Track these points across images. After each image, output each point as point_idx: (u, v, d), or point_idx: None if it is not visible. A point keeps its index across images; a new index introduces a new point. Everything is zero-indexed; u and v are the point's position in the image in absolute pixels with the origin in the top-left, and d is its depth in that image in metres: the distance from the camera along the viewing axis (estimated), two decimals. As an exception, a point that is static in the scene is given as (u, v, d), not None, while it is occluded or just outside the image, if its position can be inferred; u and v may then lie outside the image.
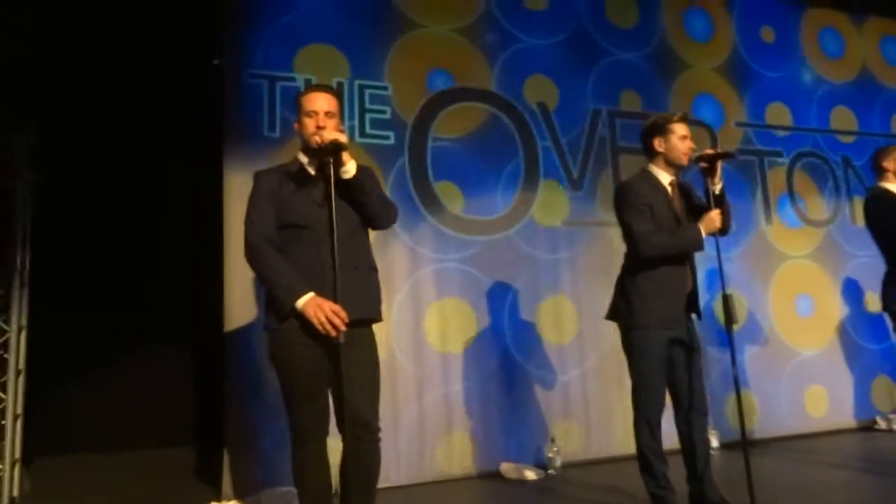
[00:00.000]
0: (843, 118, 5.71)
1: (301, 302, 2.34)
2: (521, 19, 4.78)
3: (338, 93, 2.69)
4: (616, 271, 3.13)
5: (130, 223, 4.09)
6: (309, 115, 2.52)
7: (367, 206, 2.50)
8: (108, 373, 4.15)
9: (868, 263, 5.25)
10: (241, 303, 3.79)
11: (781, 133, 5.45)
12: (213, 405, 3.85)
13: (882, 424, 5.08)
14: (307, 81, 4.12)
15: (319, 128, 2.46)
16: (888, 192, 3.74)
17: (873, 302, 5.27)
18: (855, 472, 3.89)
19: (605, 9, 5.06)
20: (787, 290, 5.15)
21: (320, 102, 2.53)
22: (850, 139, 5.69)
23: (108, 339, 4.07)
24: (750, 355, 4.92)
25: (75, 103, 4.09)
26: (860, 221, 5.44)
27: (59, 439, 4.20)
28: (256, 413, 3.71)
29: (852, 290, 5.37)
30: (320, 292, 2.35)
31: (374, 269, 2.59)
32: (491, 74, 4.62)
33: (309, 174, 2.52)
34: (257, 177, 2.57)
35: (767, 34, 5.60)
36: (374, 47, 4.36)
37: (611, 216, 3.33)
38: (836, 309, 5.31)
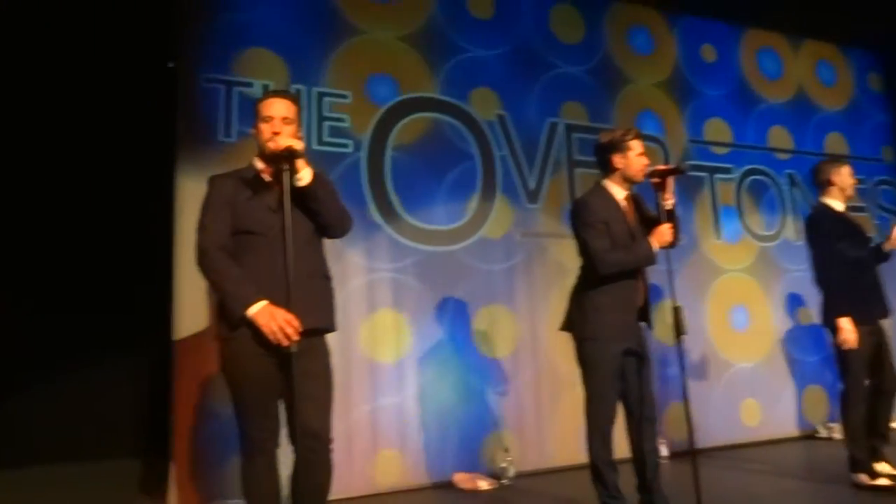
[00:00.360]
0: (780, 137, 5.88)
1: (253, 310, 2.30)
2: (467, 30, 4.79)
3: (297, 99, 2.66)
4: (561, 283, 3.16)
5: (78, 228, 3.97)
6: (265, 120, 2.48)
7: (321, 215, 2.48)
8: (50, 382, 4.00)
9: (803, 277, 5.45)
10: (191, 311, 3.72)
11: (722, 150, 5.58)
12: (160, 416, 3.76)
13: (823, 433, 5.24)
14: (265, 87, 4.08)
15: (275, 134, 2.43)
16: (830, 210, 3.78)
17: (806, 315, 5.46)
18: (799, 480, 4.00)
19: (549, 23, 5.12)
20: (723, 303, 5.25)
21: (277, 108, 2.49)
22: (786, 157, 5.87)
23: (50, 347, 3.93)
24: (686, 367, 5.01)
25: (25, 103, 3.96)
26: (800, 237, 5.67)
27: (-4, 452, 4.03)
28: (205, 424, 3.64)
29: (788, 304, 5.52)
30: (273, 301, 2.30)
31: (328, 278, 2.56)
32: (435, 83, 4.61)
33: (264, 181, 2.48)
34: (212, 181, 2.51)
35: (708, 53, 5.74)
36: (315, 51, 4.31)
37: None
38: (771, 322, 5.44)
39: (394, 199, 4.36)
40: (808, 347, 5.49)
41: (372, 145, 4.36)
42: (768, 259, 5.55)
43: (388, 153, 4.40)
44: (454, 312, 4.38)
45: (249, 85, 4.10)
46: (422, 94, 4.56)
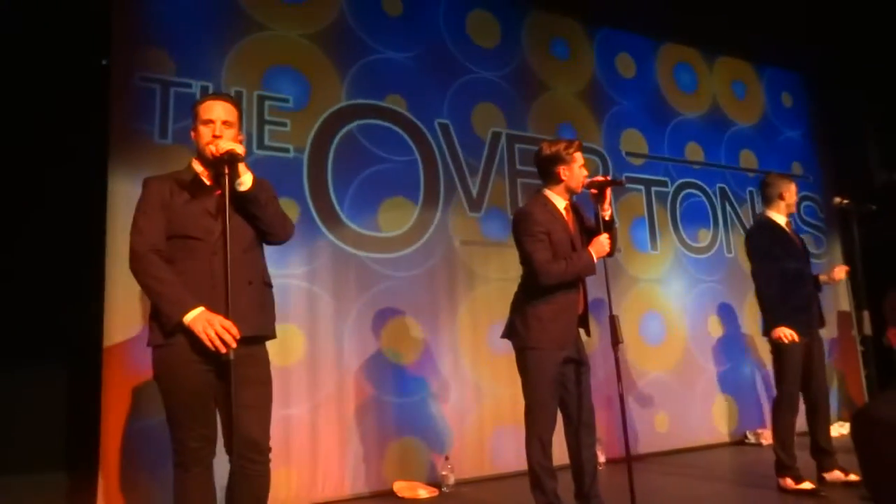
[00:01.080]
0: (695, 151, 6.03)
1: (189, 317, 2.24)
2: (378, 30, 4.71)
3: (237, 102, 2.61)
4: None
5: (5, 229, 3.79)
6: (205, 123, 2.43)
7: (262, 220, 2.44)
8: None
9: (713, 288, 5.68)
10: (122, 317, 3.59)
11: (638, 161, 5.68)
12: (88, 426, 3.60)
13: (751, 439, 5.44)
14: (203, 89, 3.99)
15: (216, 137, 2.38)
16: (773, 223, 3.90)
17: (715, 325, 5.65)
18: (729, 484, 4.15)
19: (465, 27, 5.11)
20: (635, 313, 5.30)
21: (217, 111, 2.44)
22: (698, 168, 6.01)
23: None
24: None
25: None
26: (733, 251, 5.88)
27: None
28: (135, 434, 3.52)
29: (698, 314, 5.65)
30: (211, 307, 2.25)
31: (268, 285, 2.52)
32: (342, 86, 4.51)
33: (203, 184, 2.42)
34: (147, 183, 2.44)
35: (625, 64, 5.81)
36: (211, 47, 4.14)
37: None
38: (683, 332, 5.54)
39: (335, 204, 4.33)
40: (719, 358, 5.64)
41: (312, 151, 4.32)
42: (680, 268, 5.64)
43: (330, 158, 4.37)
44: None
45: (187, 85, 4.00)
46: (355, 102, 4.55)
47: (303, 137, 4.30)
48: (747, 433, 5.50)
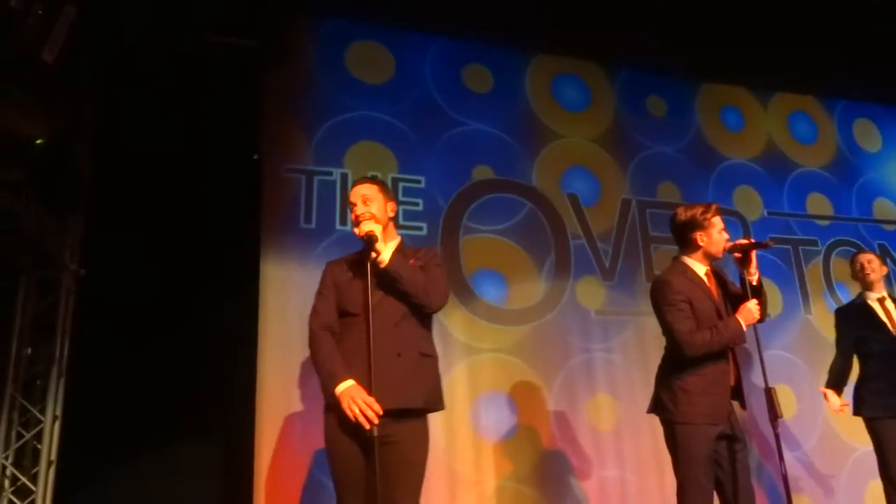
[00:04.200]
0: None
1: (339, 389, 2.36)
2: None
3: (376, 179, 2.84)
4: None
5: (168, 316, 4.15)
6: (351, 207, 2.65)
7: (405, 293, 2.52)
8: (138, 467, 4.08)
9: None
10: (274, 392, 3.78)
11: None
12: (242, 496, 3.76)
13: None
14: (343, 176, 4.25)
15: (358, 218, 2.58)
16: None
17: None
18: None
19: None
20: None
21: (358, 192, 2.66)
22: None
23: (141, 431, 4.03)
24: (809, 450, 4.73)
25: (120, 196, 4.24)
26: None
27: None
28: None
29: None
30: (361, 381, 2.35)
31: (426, 356, 2.55)
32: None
33: (365, 263, 2.55)
34: (326, 266, 2.71)
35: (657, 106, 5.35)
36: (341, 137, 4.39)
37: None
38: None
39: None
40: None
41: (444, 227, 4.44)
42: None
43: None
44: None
45: (329, 174, 4.28)
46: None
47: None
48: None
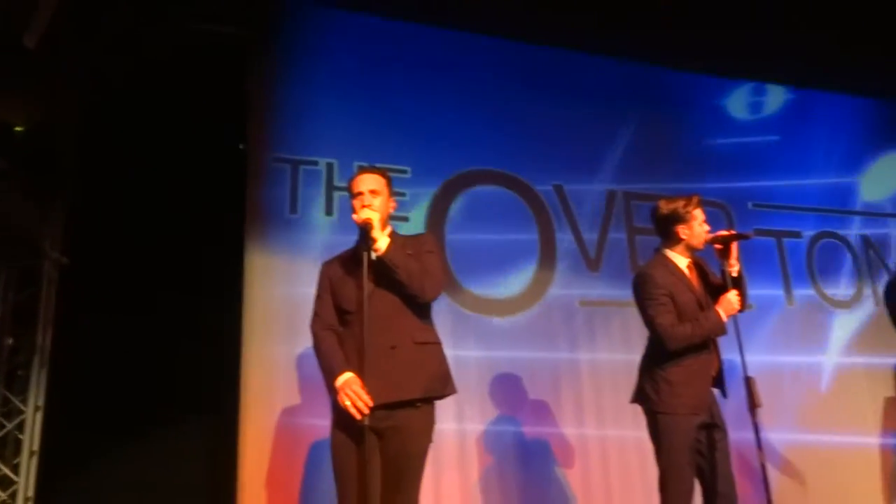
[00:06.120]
0: None
1: (339, 382, 2.38)
2: None
3: (384, 172, 2.77)
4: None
5: (152, 306, 4.12)
6: (355, 196, 2.60)
7: (399, 283, 2.49)
8: (121, 457, 4.06)
9: None
10: (258, 382, 3.77)
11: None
12: (225, 494, 3.75)
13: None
14: (329, 166, 4.24)
15: (364, 207, 2.53)
16: None
17: None
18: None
19: None
20: None
21: (366, 182, 2.62)
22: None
23: (124, 421, 4.01)
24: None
25: (104, 185, 4.21)
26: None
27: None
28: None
29: None
30: (360, 374, 2.36)
31: (425, 344, 2.53)
32: None
33: (358, 256, 2.52)
34: (321, 267, 2.69)
35: None
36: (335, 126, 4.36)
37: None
38: None
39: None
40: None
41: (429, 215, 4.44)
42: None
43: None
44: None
45: (314, 163, 4.26)
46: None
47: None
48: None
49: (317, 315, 2.59)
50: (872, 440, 5.04)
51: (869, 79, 5.71)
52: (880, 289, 5.29)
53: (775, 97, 5.74)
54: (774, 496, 2.79)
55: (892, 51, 5.35)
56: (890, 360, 3.89)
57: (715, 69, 5.51)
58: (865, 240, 5.65)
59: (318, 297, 2.62)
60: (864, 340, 5.23)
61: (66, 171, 4.15)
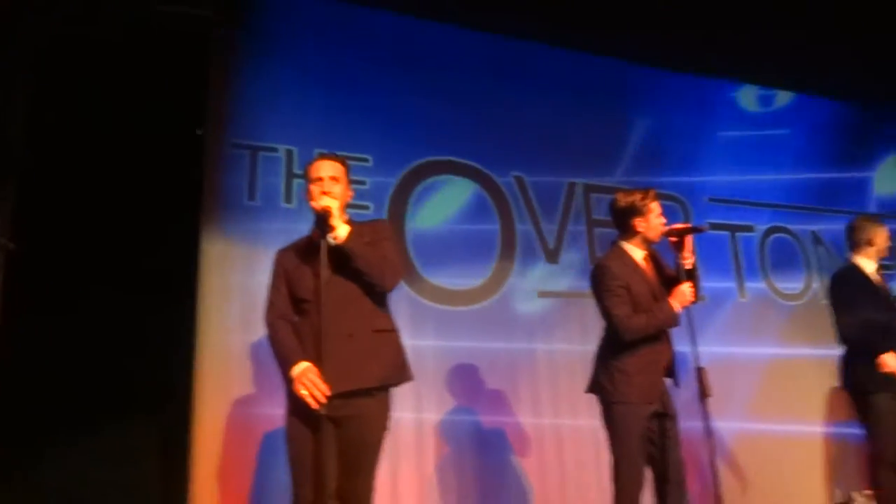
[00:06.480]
0: None
1: (294, 372, 2.36)
2: None
3: (344, 160, 2.76)
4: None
5: (104, 295, 4.02)
6: (314, 182, 2.57)
7: (359, 271, 2.48)
8: (70, 454, 3.94)
9: None
10: (213, 373, 3.72)
11: None
12: (177, 490, 3.70)
13: (859, 500, 5.04)
14: (288, 153, 4.19)
15: (324, 194, 2.51)
16: (859, 271, 3.72)
17: None
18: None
19: None
20: None
21: (325, 169, 2.59)
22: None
23: (75, 417, 3.90)
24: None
25: (56, 169, 4.08)
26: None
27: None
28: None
29: None
30: (316, 363, 2.34)
31: (381, 332, 2.53)
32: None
33: (314, 245, 2.51)
34: (276, 256, 2.65)
35: None
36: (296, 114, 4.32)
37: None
38: None
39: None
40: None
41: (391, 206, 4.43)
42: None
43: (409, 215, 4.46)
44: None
45: (274, 150, 4.21)
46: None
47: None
48: (852, 494, 5.11)
49: (271, 304, 2.56)
50: (817, 429, 5.23)
51: (830, 77, 5.86)
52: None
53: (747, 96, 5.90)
54: (722, 483, 2.88)
55: (854, 52, 5.47)
56: (835, 352, 4.07)
57: (676, 64, 5.59)
58: (815, 235, 5.82)
59: (273, 287, 2.59)
60: (811, 333, 5.38)
61: (14, 153, 4.01)
